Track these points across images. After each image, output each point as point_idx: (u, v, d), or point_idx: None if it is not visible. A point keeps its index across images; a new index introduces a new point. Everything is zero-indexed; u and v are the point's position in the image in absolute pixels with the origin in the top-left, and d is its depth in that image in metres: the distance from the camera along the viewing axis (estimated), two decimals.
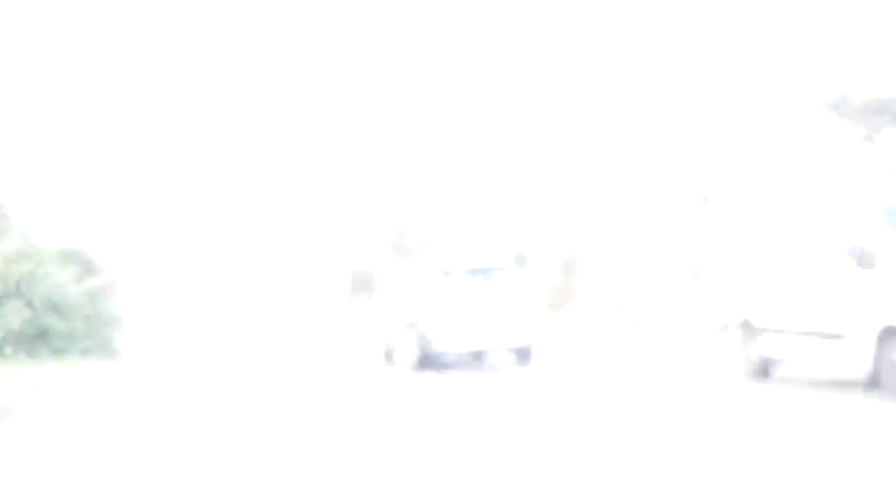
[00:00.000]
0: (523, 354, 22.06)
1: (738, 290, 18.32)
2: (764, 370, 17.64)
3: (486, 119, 66.00)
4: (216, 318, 52.84)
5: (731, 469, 9.13)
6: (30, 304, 26.93)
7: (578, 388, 17.27)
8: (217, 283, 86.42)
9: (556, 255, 58.30)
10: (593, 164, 58.18)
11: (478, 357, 22.84)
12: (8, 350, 25.81)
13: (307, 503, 8.17)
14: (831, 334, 15.22)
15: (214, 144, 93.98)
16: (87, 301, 28.62)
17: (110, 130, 71.67)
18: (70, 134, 56.69)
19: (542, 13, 68.65)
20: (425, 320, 21.64)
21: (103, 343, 28.70)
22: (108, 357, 28.58)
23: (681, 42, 46.80)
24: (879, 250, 14.53)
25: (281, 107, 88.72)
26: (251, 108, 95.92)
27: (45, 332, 27.00)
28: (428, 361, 21.79)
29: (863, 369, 14.77)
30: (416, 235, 70.12)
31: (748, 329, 17.77)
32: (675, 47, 45.63)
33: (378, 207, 75.40)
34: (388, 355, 24.01)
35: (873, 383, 14.41)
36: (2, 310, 26.40)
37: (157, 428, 12.78)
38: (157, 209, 68.14)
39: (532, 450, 10.31)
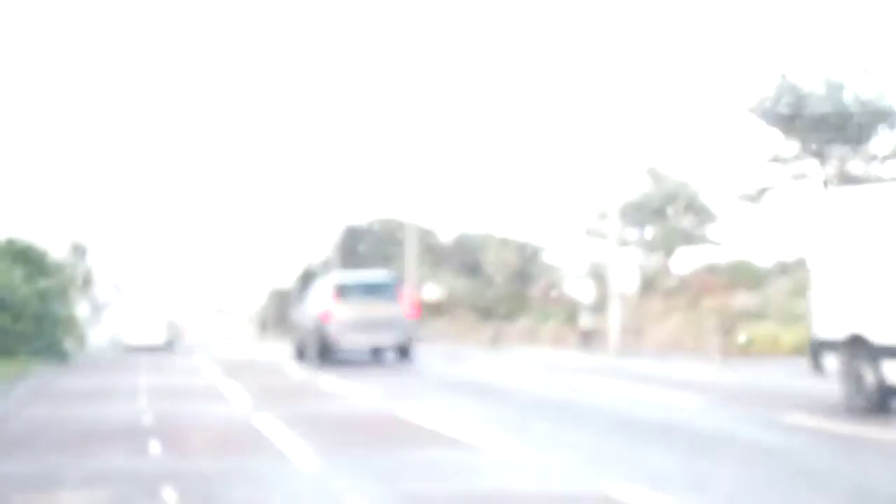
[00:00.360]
0: (404, 352, 27.76)
1: (846, 297, 14.23)
2: (881, 401, 13.32)
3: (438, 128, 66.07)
4: (167, 310, 52.28)
5: None
6: None
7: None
8: (173, 275, 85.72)
9: (508, 263, 58.44)
10: (539, 173, 58.39)
11: (368, 353, 28.52)
12: None
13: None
14: None
15: (171, 144, 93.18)
16: (37, 301, 28.22)
17: (65, 123, 70.77)
18: (24, 127, 55.88)
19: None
20: (324, 324, 27.25)
21: (53, 344, 28.33)
22: (58, 359, 28.26)
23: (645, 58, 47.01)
24: None
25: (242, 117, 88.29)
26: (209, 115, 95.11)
27: None
28: (328, 356, 27.38)
29: None
30: (370, 241, 70.11)
31: (861, 347, 13.57)
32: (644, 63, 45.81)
33: (331, 209, 75.12)
34: (300, 352, 29.69)
35: None
36: None
37: None
38: (112, 204, 67.40)
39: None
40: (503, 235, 61.86)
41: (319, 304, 28.44)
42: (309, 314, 29.54)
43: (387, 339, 27.63)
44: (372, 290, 28.64)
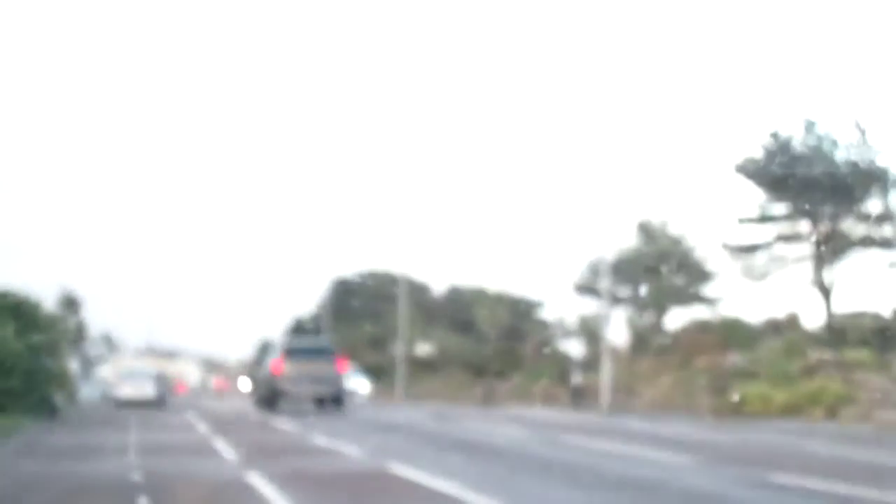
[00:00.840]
0: (337, 401, 34.91)
1: None
2: None
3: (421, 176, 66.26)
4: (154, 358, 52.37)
5: None
6: None
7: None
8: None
9: (501, 320, 58.37)
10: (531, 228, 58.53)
11: (311, 399, 34.90)
12: None
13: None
14: None
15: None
16: (28, 356, 28.03)
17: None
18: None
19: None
20: (276, 377, 34.75)
21: (43, 400, 28.14)
22: (48, 415, 28.12)
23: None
24: None
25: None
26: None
27: None
28: (277, 401, 34.92)
29: None
30: (362, 296, 70.02)
31: None
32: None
33: (322, 261, 75.12)
34: (259, 400, 37.75)
35: None
36: None
37: None
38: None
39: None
40: (496, 291, 61.85)
41: (273, 363, 36.11)
42: (265, 370, 37.51)
43: (323, 390, 34.67)
44: (313, 353, 35.98)
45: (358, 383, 47.37)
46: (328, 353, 36.56)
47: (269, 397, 35.54)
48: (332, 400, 34.94)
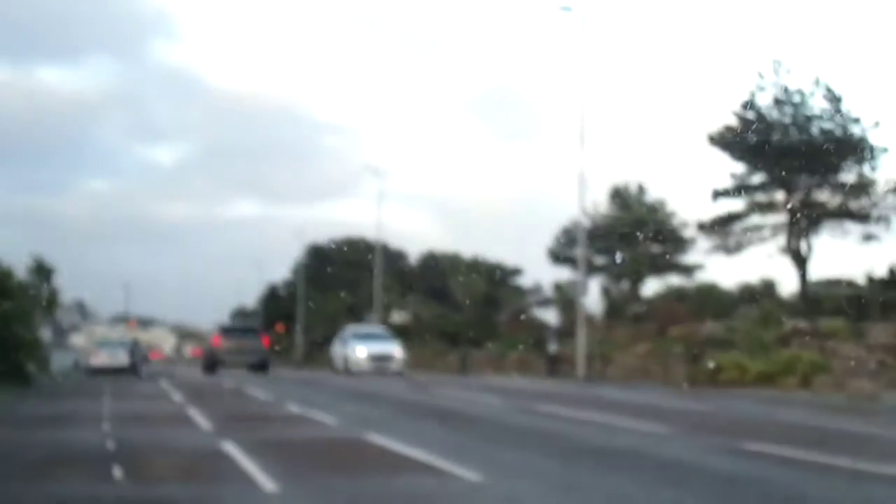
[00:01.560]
0: (263, 367, 45.18)
1: None
2: None
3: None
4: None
5: None
6: None
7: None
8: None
9: (477, 288, 58.40)
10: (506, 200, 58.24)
11: (243, 365, 44.52)
12: None
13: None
14: None
15: None
16: None
17: None
18: None
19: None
20: (215, 349, 46.21)
21: (15, 368, 27.87)
22: (20, 383, 27.91)
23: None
24: None
25: None
26: None
27: None
28: (216, 367, 44.99)
29: None
30: (337, 264, 69.91)
31: None
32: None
33: (296, 227, 74.89)
34: (204, 364, 47.57)
35: None
36: None
37: None
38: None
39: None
40: (472, 257, 61.83)
41: (214, 339, 47.57)
42: (208, 343, 48.89)
43: (252, 359, 44.91)
44: (243, 332, 48.16)
45: (393, 349, 42.32)
46: (255, 331, 48.89)
47: (211, 364, 45.49)
48: (259, 367, 44.66)
